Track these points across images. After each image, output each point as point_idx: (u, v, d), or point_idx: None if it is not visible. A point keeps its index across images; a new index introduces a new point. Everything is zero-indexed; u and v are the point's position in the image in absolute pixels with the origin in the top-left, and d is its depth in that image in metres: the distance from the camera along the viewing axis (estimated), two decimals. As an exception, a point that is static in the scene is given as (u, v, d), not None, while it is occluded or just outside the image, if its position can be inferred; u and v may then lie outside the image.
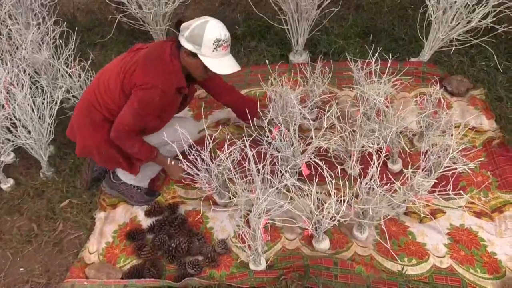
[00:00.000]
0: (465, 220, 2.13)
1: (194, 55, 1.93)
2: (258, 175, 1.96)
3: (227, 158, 2.08)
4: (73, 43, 2.71)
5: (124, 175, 2.32)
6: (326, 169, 1.94)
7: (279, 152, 2.19)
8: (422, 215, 2.13)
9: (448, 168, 1.99)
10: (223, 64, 1.96)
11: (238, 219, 2.19)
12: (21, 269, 2.20)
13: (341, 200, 1.92)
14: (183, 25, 1.94)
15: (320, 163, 1.97)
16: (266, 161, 2.02)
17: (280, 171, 2.06)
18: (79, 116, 2.15)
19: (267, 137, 2.22)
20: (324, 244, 2.05)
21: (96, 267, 2.08)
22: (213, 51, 1.90)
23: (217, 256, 2.07)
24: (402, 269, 1.96)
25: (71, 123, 2.21)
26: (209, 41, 1.87)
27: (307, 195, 1.94)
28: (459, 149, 2.02)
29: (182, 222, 2.20)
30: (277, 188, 1.98)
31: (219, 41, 1.89)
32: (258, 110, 2.33)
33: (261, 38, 3.28)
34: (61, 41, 2.72)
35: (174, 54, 1.99)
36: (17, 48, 2.71)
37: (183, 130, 2.12)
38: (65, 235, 2.31)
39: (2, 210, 2.44)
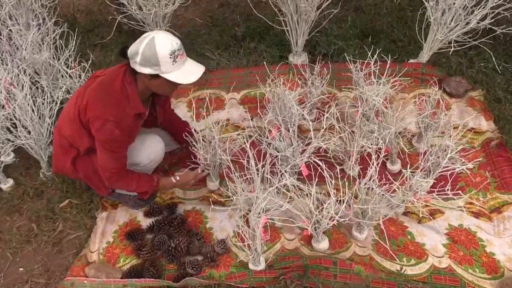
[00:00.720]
0: (464, 220, 2.14)
1: (155, 76, 1.85)
2: (257, 174, 1.97)
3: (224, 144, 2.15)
4: (74, 43, 2.72)
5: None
6: (326, 170, 1.95)
7: (278, 152, 2.20)
8: (421, 215, 2.14)
9: (446, 168, 2.00)
10: (187, 72, 1.88)
11: (238, 219, 2.19)
12: (21, 269, 2.20)
13: (340, 200, 1.93)
14: (129, 51, 1.84)
15: (320, 163, 1.98)
16: (266, 161, 2.03)
17: (280, 171, 2.07)
18: (55, 140, 2.17)
19: (267, 137, 2.23)
20: (323, 244, 2.05)
21: (96, 267, 2.08)
22: (173, 64, 1.82)
23: (217, 256, 2.07)
24: (401, 268, 1.97)
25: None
26: (165, 57, 1.79)
27: (307, 195, 1.94)
28: (458, 149, 2.03)
29: (182, 222, 2.21)
30: (277, 187, 1.98)
31: (174, 51, 1.80)
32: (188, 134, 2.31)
33: (260, 39, 3.29)
34: (61, 42, 2.73)
35: (128, 81, 1.91)
36: (17, 48, 2.72)
37: (150, 148, 2.17)
38: (65, 235, 2.31)
39: (2, 210, 2.44)
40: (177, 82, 1.86)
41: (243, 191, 2.03)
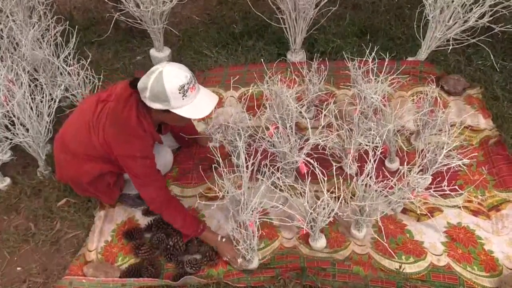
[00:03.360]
0: (462, 218, 2.14)
1: (167, 111, 1.81)
2: (246, 171, 1.95)
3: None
4: (74, 41, 2.70)
5: None
6: (318, 167, 1.94)
7: (275, 147, 2.19)
8: (418, 212, 2.14)
9: (443, 164, 2.00)
10: (200, 106, 1.83)
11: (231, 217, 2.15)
12: (19, 269, 2.19)
13: (336, 197, 1.93)
14: (139, 86, 1.80)
15: (312, 161, 1.97)
16: (256, 158, 2.01)
17: (269, 169, 2.04)
18: (57, 150, 2.09)
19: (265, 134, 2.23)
20: (320, 243, 2.05)
21: (94, 266, 2.08)
22: (183, 99, 1.76)
23: (215, 254, 2.07)
24: (400, 267, 1.97)
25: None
26: (174, 93, 1.73)
27: (300, 193, 1.94)
28: (454, 145, 2.02)
29: (180, 220, 2.20)
30: (271, 185, 1.97)
31: (183, 86, 1.74)
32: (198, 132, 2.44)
33: (258, 37, 3.28)
34: (61, 39, 2.71)
35: (142, 114, 1.88)
36: (17, 44, 2.70)
37: (164, 159, 2.23)
38: (63, 234, 2.30)
39: (-1, 209, 2.44)
40: (188, 117, 1.81)
41: (231, 186, 2.00)
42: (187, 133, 2.39)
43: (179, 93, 1.74)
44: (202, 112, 1.83)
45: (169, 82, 1.72)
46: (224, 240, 2.05)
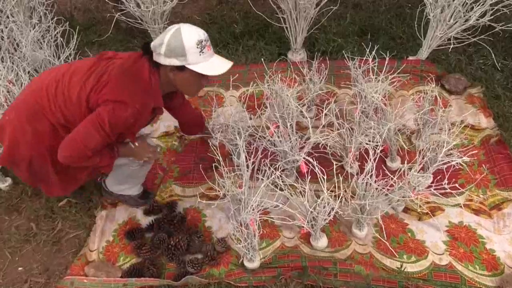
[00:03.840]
0: (464, 217, 2.14)
1: (181, 69, 1.77)
2: (247, 170, 1.95)
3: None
4: (74, 41, 2.70)
5: (112, 186, 2.28)
6: (318, 166, 1.94)
7: (275, 147, 2.19)
8: (419, 210, 2.14)
9: (443, 162, 2.00)
10: (216, 64, 1.80)
11: (233, 214, 2.15)
12: (20, 269, 2.19)
13: (336, 196, 1.92)
14: (153, 44, 1.76)
15: (311, 160, 1.97)
16: (257, 157, 2.01)
17: (269, 167, 2.04)
18: (18, 120, 1.87)
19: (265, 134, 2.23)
20: (321, 242, 2.05)
21: (96, 266, 2.08)
22: (200, 54, 1.73)
23: (217, 254, 2.07)
24: (401, 265, 1.97)
25: (2, 124, 1.92)
26: (192, 47, 1.71)
27: (300, 192, 1.94)
28: (455, 144, 2.02)
29: (182, 220, 2.20)
30: (271, 184, 1.97)
31: (201, 41, 1.73)
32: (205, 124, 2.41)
33: (259, 36, 3.28)
34: (62, 40, 2.71)
35: (153, 72, 1.81)
36: (17, 45, 2.70)
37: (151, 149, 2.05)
38: (64, 234, 2.30)
39: (0, 209, 2.43)
40: (205, 73, 1.77)
41: (232, 185, 2.00)
42: (196, 121, 2.40)
43: (197, 47, 1.72)
44: (218, 69, 1.79)
45: (187, 36, 1.71)
46: (137, 144, 2.00)
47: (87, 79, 1.79)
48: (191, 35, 1.72)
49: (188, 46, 1.71)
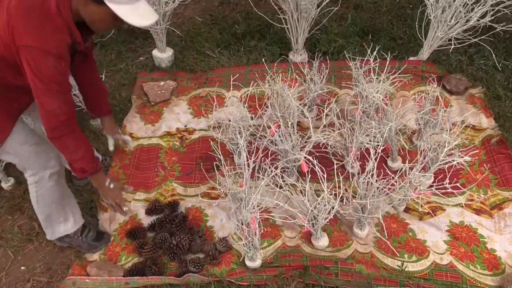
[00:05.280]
0: (465, 217, 2.15)
1: (99, 2, 1.46)
2: (248, 169, 1.96)
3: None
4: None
5: (55, 230, 2.13)
6: (318, 165, 1.95)
7: (276, 146, 2.20)
8: (420, 209, 2.14)
9: (444, 161, 2.01)
10: (138, 12, 1.48)
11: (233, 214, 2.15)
12: (22, 268, 2.20)
13: (336, 194, 1.93)
14: None
15: (312, 160, 1.98)
16: (258, 156, 2.02)
17: (269, 167, 2.04)
18: None
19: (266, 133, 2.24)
20: (322, 241, 2.05)
21: (98, 265, 2.08)
22: None
23: (219, 254, 2.07)
24: (402, 264, 1.98)
25: None
26: None
27: (301, 191, 1.94)
28: (456, 143, 2.02)
29: (183, 219, 2.21)
30: (272, 184, 1.98)
31: None
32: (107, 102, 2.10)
33: (260, 37, 3.29)
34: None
35: (62, 3, 1.48)
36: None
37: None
38: (66, 233, 2.31)
39: (3, 209, 2.44)
40: (123, 18, 1.47)
41: (233, 184, 2.01)
42: (98, 96, 2.10)
43: None
44: (139, 20, 1.50)
45: None
46: (112, 186, 1.90)
47: None
48: None
49: None
